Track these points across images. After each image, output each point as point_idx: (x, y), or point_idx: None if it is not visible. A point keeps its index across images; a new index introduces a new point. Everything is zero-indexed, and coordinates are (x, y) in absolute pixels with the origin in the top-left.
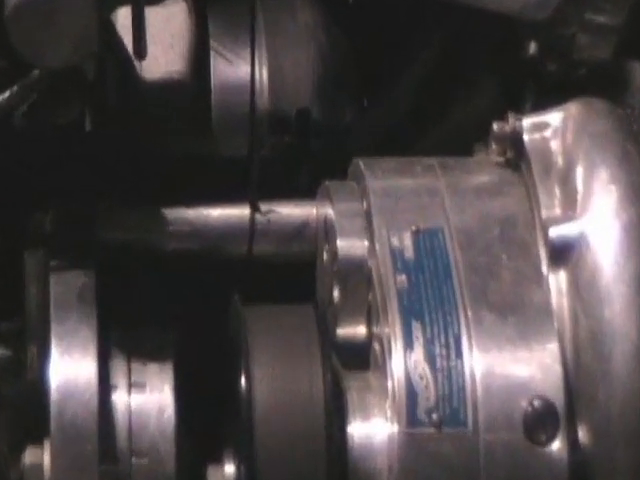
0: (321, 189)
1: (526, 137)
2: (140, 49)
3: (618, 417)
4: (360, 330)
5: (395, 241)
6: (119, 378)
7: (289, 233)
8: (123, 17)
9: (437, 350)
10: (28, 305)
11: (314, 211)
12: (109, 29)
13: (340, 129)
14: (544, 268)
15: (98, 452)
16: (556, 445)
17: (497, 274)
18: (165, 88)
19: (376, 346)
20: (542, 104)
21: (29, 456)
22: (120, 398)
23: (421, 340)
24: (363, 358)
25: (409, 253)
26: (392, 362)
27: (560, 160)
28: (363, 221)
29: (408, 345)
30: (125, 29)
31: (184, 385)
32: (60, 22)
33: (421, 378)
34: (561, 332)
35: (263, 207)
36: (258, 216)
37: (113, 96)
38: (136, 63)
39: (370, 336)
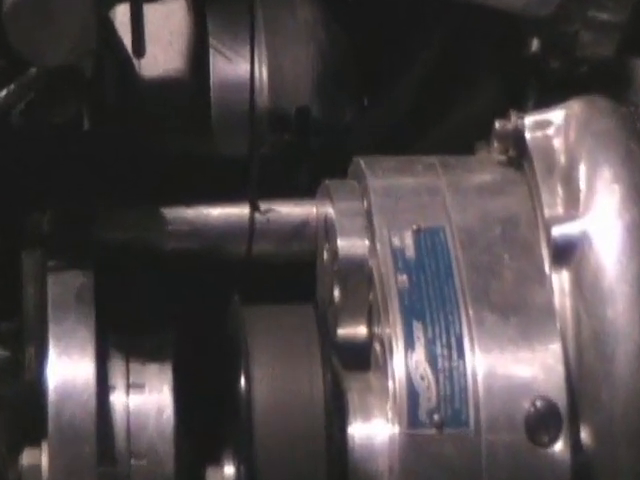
0: (321, 188)
1: (528, 135)
2: (139, 47)
3: (621, 418)
4: (361, 330)
5: (396, 240)
6: (117, 379)
7: (289, 232)
8: (122, 15)
9: (438, 350)
10: (26, 305)
11: (314, 210)
12: (107, 27)
13: (340, 127)
14: (546, 268)
15: (96, 453)
16: (559, 446)
17: (499, 274)
18: (164, 86)
19: (377, 346)
20: (544, 102)
21: (27, 457)
22: (118, 399)
23: (422, 340)
24: (364, 358)
25: (410, 252)
26: (393, 362)
27: (563, 159)
28: (364, 220)
29: (409, 345)
30: (124, 27)
31: (183, 386)
32: (58, 20)
33: (422, 379)
34: (564, 332)
35: (263, 206)
36: (258, 215)
37: (112, 94)
38: (135, 61)
39: (371, 336)
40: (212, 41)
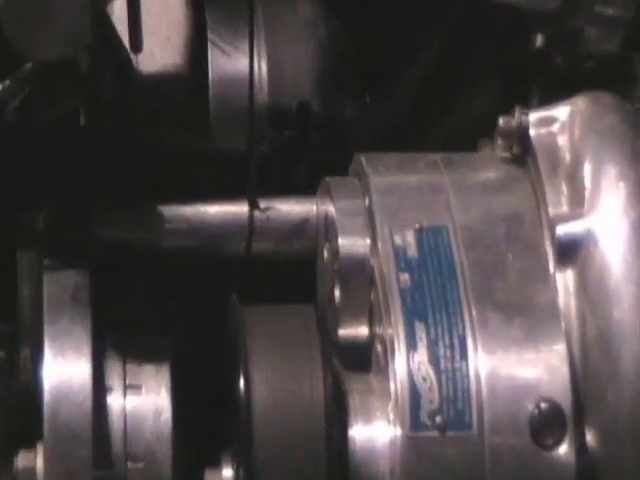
0: (322, 185)
1: (532, 132)
2: (136, 42)
3: (627, 418)
4: (362, 331)
5: (398, 239)
6: (114, 380)
7: (289, 230)
8: (119, 9)
9: (441, 351)
10: (21, 305)
11: (314, 208)
12: (104, 21)
13: (340, 123)
14: (551, 267)
15: (92, 456)
16: (563, 449)
17: (503, 273)
18: (161, 82)
19: (378, 347)
20: (549, 98)
21: (22, 460)
22: (115, 400)
23: (425, 341)
24: (365, 359)
25: (412, 251)
26: (395, 363)
27: (567, 156)
28: (365, 218)
29: (411, 346)
30: (121, 21)
31: (181, 387)
32: (53, 14)
33: (424, 380)
34: (568, 332)
35: (262, 204)
36: (257, 213)
37: (109, 89)
38: (132, 56)
39: (372, 337)
40: (211, 36)
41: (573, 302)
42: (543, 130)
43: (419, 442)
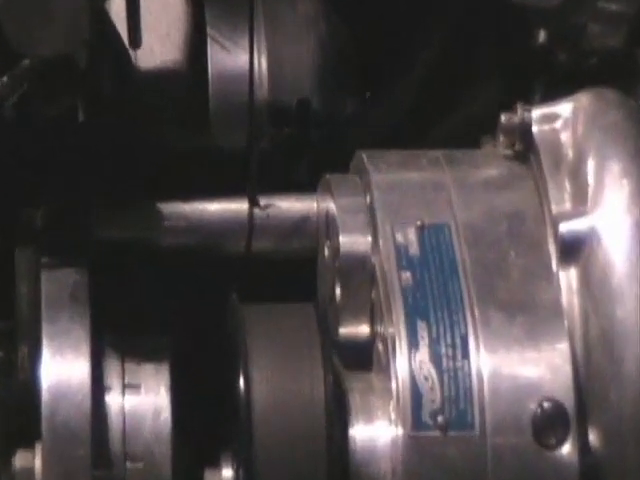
0: (322, 183)
1: (535, 128)
2: (135, 38)
3: (630, 418)
4: (363, 329)
5: (399, 237)
6: (113, 379)
7: (289, 228)
8: (117, 5)
9: (443, 350)
10: (19, 304)
11: (315, 205)
12: (103, 17)
13: (341, 120)
14: (554, 265)
15: (91, 456)
16: (566, 448)
17: (505, 271)
18: (161, 78)
19: (379, 346)
20: (552, 95)
21: (20, 460)
22: (114, 400)
23: (426, 340)
24: (366, 358)
25: (414, 249)
26: (396, 363)
27: (570, 153)
28: (366, 216)
29: (413, 345)
30: (120, 17)
31: (180, 386)
32: (52, 10)
33: (426, 379)
34: (571, 331)
35: (262, 201)
36: (257, 211)
37: (108, 85)
38: (131, 52)
39: (373, 335)
40: (210, 31)
41: (576, 300)
42: (546, 127)
43: (421, 442)
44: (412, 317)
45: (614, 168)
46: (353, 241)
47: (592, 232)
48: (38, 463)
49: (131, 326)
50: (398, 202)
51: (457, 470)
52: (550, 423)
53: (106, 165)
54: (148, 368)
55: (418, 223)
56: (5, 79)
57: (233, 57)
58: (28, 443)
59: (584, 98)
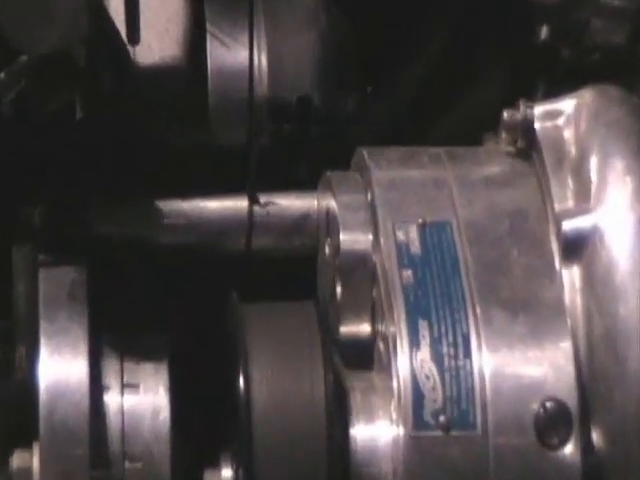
0: (323, 180)
1: (538, 125)
2: (133, 34)
3: (634, 418)
4: (364, 328)
5: (401, 235)
6: (111, 378)
7: (289, 226)
8: (116, 1)
9: (445, 349)
10: (16, 302)
11: (315, 203)
12: (101, 14)
13: (342, 116)
14: (556, 263)
15: (89, 456)
16: (569, 449)
17: (507, 269)
18: (159, 74)
19: (380, 345)
20: (554, 91)
21: (17, 460)
22: (112, 399)
23: (428, 339)
24: (367, 357)
25: (415, 247)
26: (397, 362)
27: (573, 150)
28: (367, 214)
29: (414, 344)
30: (118, 13)
31: (180, 386)
32: (50, 6)
33: (428, 379)
34: (574, 330)
35: (262, 199)
36: (257, 208)
37: (107, 82)
38: (130, 48)
39: (374, 334)
40: (210, 27)
41: (579, 299)
42: (548, 123)
43: (422, 442)
44: (413, 316)
45: (617, 165)
46: (354, 239)
47: (595, 230)
48: (36, 463)
49: (130, 325)
50: (399, 199)
51: (459, 470)
52: (553, 423)
53: (105, 162)
54: (147, 367)
55: (419, 221)
56: (2, 75)
57: (232, 53)
58: (26, 443)
59: (587, 94)
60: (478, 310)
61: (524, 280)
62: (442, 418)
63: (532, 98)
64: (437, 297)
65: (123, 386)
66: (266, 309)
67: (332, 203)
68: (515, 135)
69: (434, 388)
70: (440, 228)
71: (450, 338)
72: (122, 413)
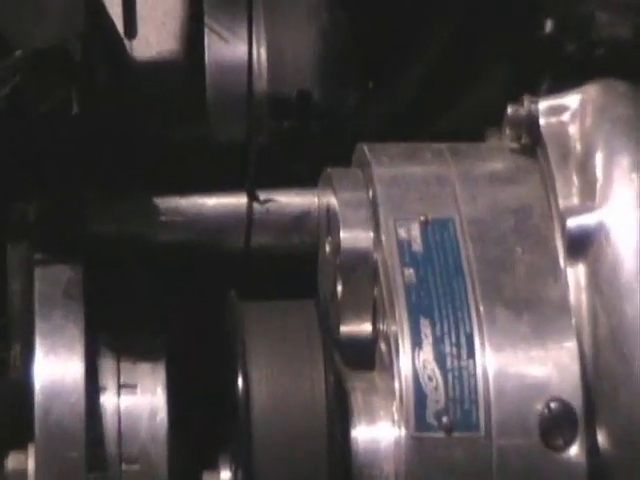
0: (323, 177)
1: (542, 121)
2: (130, 28)
3: None
4: (365, 327)
5: (402, 232)
6: (108, 379)
7: (289, 223)
8: None
9: (447, 349)
10: (11, 301)
11: (315, 200)
12: (98, 7)
13: (343, 112)
14: (561, 261)
15: (86, 458)
16: (574, 450)
17: (511, 268)
18: (157, 69)
19: (382, 345)
20: (559, 86)
21: (12, 461)
22: (109, 400)
23: (430, 338)
24: (368, 357)
25: (417, 245)
26: (399, 362)
27: (578, 146)
28: (368, 211)
29: (416, 344)
30: (115, 7)
31: (177, 386)
32: (46, 1)
33: (430, 379)
34: (579, 329)
35: (261, 196)
36: (256, 205)
37: (103, 76)
38: (127, 42)
39: (376, 334)
40: (208, 21)
41: (584, 298)
42: (553, 119)
43: (424, 443)
44: (415, 315)
45: (623, 162)
46: (355, 237)
47: (600, 227)
48: (31, 465)
49: (127, 324)
50: (401, 196)
51: (462, 472)
52: (557, 424)
53: (102, 157)
54: (144, 367)
55: (422, 218)
56: None
57: (231, 47)
58: (21, 444)
59: (592, 90)
60: (481, 309)
61: (528, 278)
62: (445, 419)
63: (536, 93)
64: (439, 296)
65: (120, 386)
66: (265, 308)
67: (332, 200)
68: (519, 131)
69: (436, 388)
70: (442, 225)
71: (453, 338)
72: (119, 414)
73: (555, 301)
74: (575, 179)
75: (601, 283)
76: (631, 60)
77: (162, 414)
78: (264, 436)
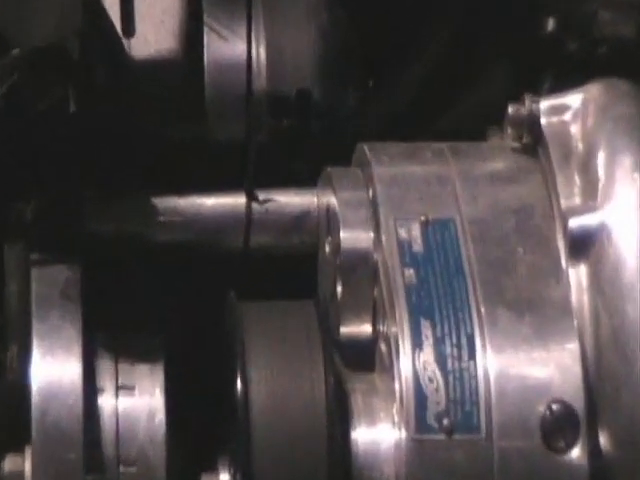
0: (323, 176)
1: (544, 120)
2: (128, 26)
3: None
4: (365, 328)
5: (403, 232)
6: (106, 380)
7: (288, 223)
8: None
9: (448, 350)
10: (8, 301)
11: (315, 200)
12: (96, 5)
13: (343, 111)
14: (563, 262)
15: (83, 459)
16: (576, 452)
17: (512, 268)
18: (155, 67)
19: (382, 346)
20: (561, 85)
21: (9, 464)
22: (107, 401)
23: (431, 340)
24: (368, 358)
25: (418, 245)
26: (399, 363)
27: (580, 145)
28: (368, 211)
29: (417, 345)
30: (113, 5)
31: (176, 387)
32: None
33: (431, 380)
34: (581, 330)
35: (261, 196)
36: (255, 205)
37: (101, 75)
38: (125, 41)
39: (376, 335)
40: (207, 19)
41: (586, 298)
42: (555, 118)
43: (425, 445)
44: (416, 316)
45: (625, 161)
46: (355, 237)
47: (602, 228)
48: (28, 467)
49: (125, 324)
50: (401, 196)
51: (462, 475)
52: (559, 426)
53: (100, 156)
54: (142, 369)
55: (422, 218)
56: None
57: (230, 45)
58: (18, 446)
59: (594, 89)
60: (482, 310)
61: (530, 279)
62: (445, 421)
63: (538, 92)
64: (440, 297)
65: (118, 388)
66: (265, 308)
67: (332, 200)
68: (521, 130)
69: (437, 390)
70: (443, 225)
71: (454, 339)
72: (117, 415)
73: (557, 302)
74: (577, 179)
75: (603, 284)
76: (634, 59)
77: (160, 415)
78: (263, 438)
